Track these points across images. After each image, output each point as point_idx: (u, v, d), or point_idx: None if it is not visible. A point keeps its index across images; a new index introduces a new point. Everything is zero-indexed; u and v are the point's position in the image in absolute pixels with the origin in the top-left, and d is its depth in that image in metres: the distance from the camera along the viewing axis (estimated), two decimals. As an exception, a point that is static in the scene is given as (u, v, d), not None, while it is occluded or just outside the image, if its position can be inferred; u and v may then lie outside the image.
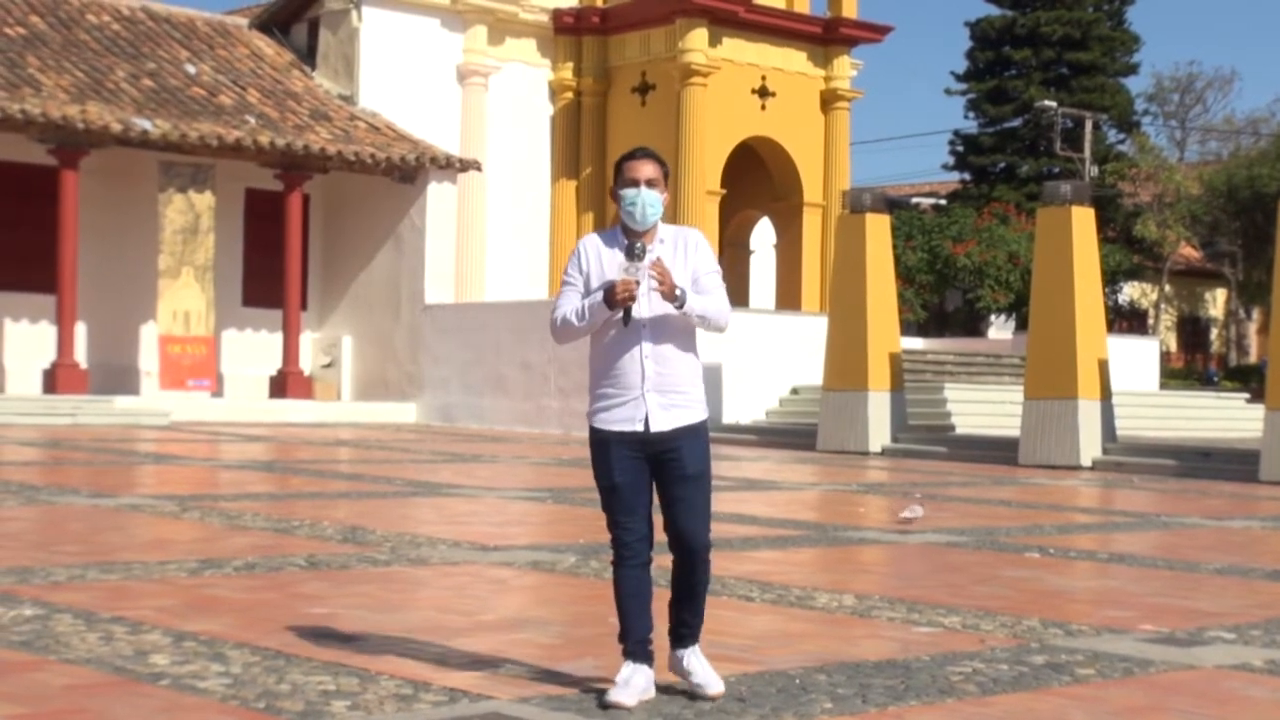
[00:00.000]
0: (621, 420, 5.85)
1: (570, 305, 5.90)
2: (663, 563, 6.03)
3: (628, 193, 5.88)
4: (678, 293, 5.76)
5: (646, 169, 5.91)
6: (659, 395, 5.84)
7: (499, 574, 9.24)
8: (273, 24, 32.96)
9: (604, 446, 5.88)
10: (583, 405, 26.54)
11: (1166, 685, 6.57)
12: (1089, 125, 49.34)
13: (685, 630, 5.98)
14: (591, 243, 5.99)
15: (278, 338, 28.75)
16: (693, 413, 5.90)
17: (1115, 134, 54.25)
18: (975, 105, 52.55)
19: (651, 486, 5.90)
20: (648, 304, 5.82)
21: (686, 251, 5.93)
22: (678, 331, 5.89)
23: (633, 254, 5.78)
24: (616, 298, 5.75)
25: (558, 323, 5.92)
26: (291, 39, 32.83)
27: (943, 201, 51.05)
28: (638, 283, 5.75)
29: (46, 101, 25.65)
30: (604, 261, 5.89)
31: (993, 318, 43.85)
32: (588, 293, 5.88)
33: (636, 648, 5.89)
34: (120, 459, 18.16)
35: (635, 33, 33.18)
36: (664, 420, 5.84)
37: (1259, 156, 52.07)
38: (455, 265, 30.18)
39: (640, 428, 5.83)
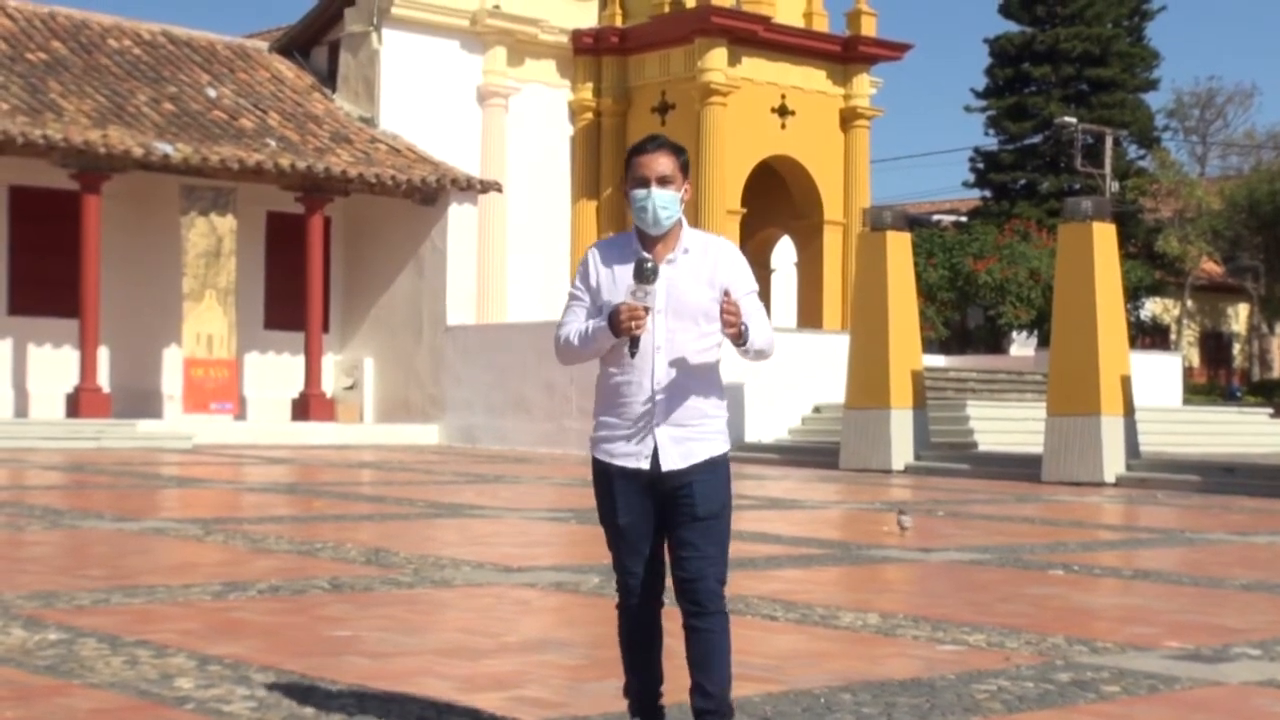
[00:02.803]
0: (626, 455, 5.13)
1: (574, 325, 5.19)
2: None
3: (637, 194, 5.13)
4: (742, 329, 5.04)
5: (658, 164, 5.13)
6: (672, 428, 5.10)
7: (523, 595, 9.23)
8: (293, 47, 33.12)
9: (606, 481, 5.20)
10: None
11: (1192, 702, 6.54)
12: (1109, 141, 49.27)
13: (708, 706, 5.13)
14: (600, 252, 5.25)
15: (300, 360, 28.80)
16: (711, 445, 5.15)
17: (1136, 150, 54.19)
18: (995, 122, 52.52)
19: (659, 526, 5.20)
20: (663, 329, 5.09)
21: (716, 265, 5.16)
22: (696, 354, 5.13)
23: (642, 275, 5.01)
24: (621, 325, 5.02)
25: (560, 343, 5.24)
26: (312, 62, 32.97)
27: (963, 219, 51.01)
28: (646, 309, 5.01)
29: (68, 126, 25.78)
30: (615, 275, 5.15)
31: (1014, 334, 43.75)
32: (596, 308, 5.17)
33: (641, 704, 5.26)
34: (143, 482, 18.19)
35: (654, 53, 33.22)
36: (676, 457, 5.10)
37: (1280, 171, 51.98)
38: (476, 286, 30.23)
39: (646, 465, 5.11)
